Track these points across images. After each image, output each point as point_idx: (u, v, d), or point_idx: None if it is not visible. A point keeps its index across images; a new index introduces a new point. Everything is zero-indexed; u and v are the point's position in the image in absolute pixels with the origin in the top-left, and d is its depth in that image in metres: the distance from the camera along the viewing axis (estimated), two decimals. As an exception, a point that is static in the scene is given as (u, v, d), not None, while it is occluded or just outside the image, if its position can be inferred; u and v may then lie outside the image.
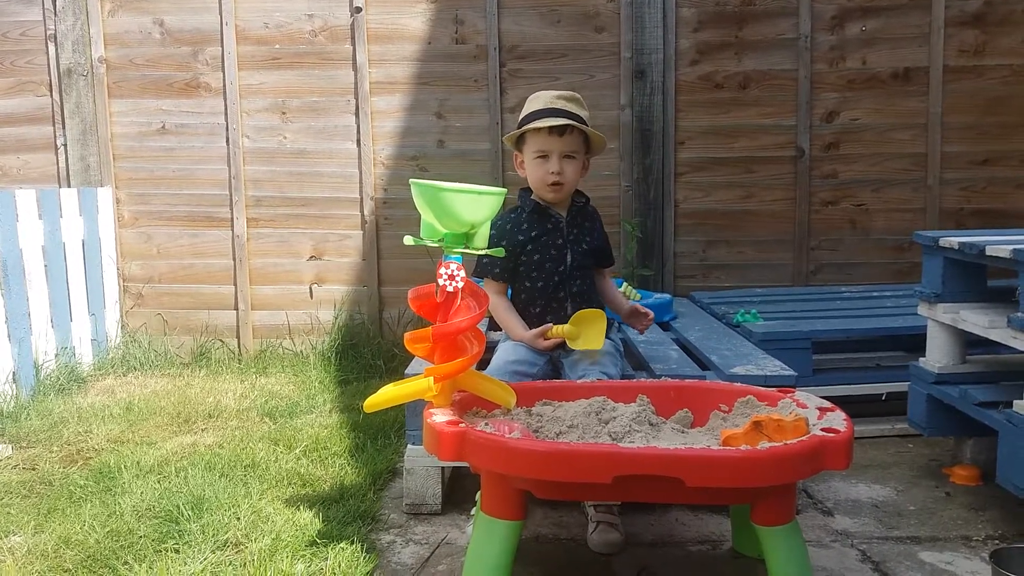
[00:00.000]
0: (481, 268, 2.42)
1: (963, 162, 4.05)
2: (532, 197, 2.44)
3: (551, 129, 2.31)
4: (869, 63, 4.04)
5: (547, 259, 2.40)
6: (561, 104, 2.34)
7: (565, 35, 4.09)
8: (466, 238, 1.90)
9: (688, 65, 4.09)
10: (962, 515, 2.36)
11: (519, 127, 2.39)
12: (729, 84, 4.08)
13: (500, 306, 2.42)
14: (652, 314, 2.54)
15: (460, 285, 1.87)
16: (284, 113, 4.20)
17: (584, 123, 2.35)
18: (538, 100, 2.38)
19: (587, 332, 2.28)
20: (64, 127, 4.20)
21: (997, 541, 2.18)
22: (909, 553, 2.12)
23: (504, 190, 1.89)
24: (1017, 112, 4.01)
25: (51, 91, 4.22)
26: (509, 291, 2.47)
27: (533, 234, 2.40)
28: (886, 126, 4.06)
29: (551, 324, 2.33)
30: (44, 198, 3.71)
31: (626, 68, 4.07)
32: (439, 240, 1.88)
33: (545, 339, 2.31)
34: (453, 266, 1.86)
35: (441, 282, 1.87)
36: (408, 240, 1.90)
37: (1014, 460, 2.11)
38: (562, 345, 2.35)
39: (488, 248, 1.97)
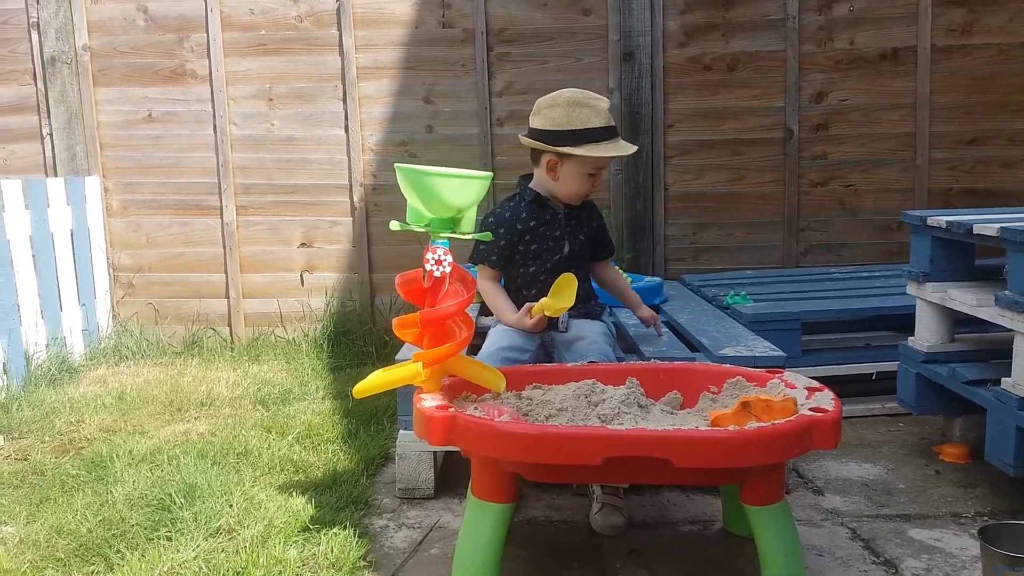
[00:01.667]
0: (477, 255, 2.43)
1: (951, 142, 4.06)
2: (531, 186, 2.44)
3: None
4: (857, 43, 4.04)
5: (544, 249, 2.42)
6: (612, 119, 2.34)
7: (552, 18, 4.07)
8: (453, 223, 1.89)
9: (676, 47, 4.07)
10: (951, 492, 2.38)
11: (573, 137, 2.28)
12: (717, 66, 4.07)
13: (491, 292, 2.43)
14: (660, 326, 2.61)
15: (447, 270, 1.87)
16: (271, 100, 4.17)
17: None
18: (591, 111, 2.29)
19: (560, 295, 2.25)
20: (49, 116, 4.17)
21: (986, 518, 2.19)
22: (899, 531, 2.14)
23: (490, 174, 1.89)
24: (1004, 91, 4.01)
25: (35, 80, 4.18)
26: (503, 279, 2.49)
27: (532, 224, 2.41)
28: (874, 106, 4.06)
29: (530, 304, 2.33)
30: (31, 188, 3.68)
31: (614, 51, 4.05)
32: (425, 225, 1.87)
33: (530, 318, 2.31)
34: (440, 251, 1.86)
35: (428, 267, 1.86)
36: (394, 225, 1.89)
37: (1002, 437, 2.12)
38: (554, 326, 2.36)
39: (477, 232, 1.97)
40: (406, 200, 1.89)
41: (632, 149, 2.35)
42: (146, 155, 4.22)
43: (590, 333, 2.34)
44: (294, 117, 4.18)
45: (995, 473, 2.31)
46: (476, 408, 1.88)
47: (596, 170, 2.36)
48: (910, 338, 2.64)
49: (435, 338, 1.88)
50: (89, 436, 2.90)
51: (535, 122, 2.35)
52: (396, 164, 1.87)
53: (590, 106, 2.30)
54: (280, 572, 1.88)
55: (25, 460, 2.71)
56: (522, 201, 2.43)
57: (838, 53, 4.04)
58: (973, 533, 2.08)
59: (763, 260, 4.13)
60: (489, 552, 1.76)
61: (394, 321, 1.88)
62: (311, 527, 2.12)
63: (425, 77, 4.13)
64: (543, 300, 2.27)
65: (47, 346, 3.72)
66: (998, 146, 4.05)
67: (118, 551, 1.99)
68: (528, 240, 2.41)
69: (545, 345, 2.41)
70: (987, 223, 2.24)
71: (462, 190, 1.83)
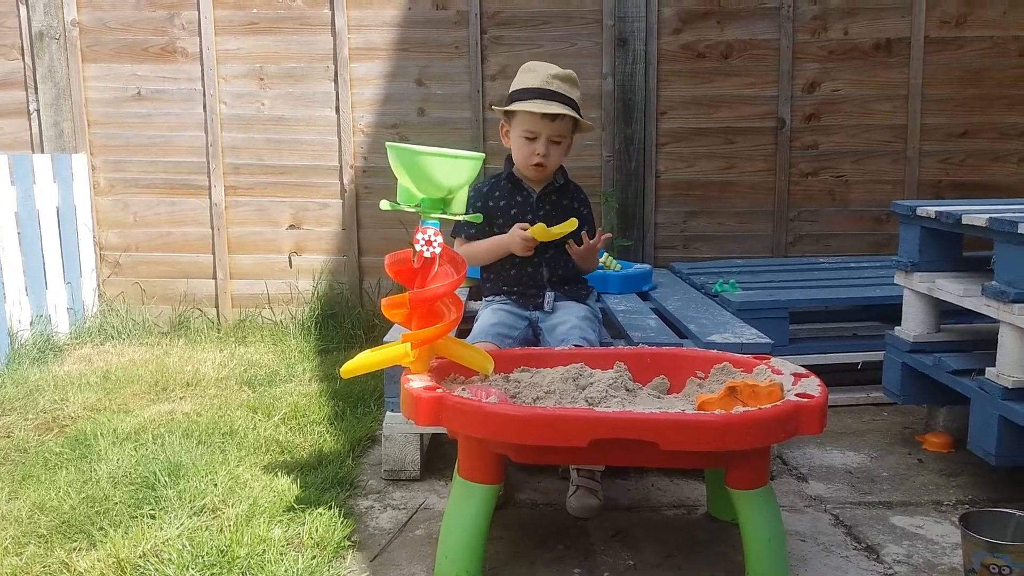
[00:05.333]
0: (458, 228, 2.44)
1: (942, 134, 4.06)
2: (512, 168, 2.45)
3: (543, 114, 2.30)
4: (851, 33, 4.03)
5: None
6: (557, 85, 2.31)
7: (547, 2, 4.05)
8: (443, 203, 1.89)
9: (670, 34, 4.06)
10: (934, 481, 2.39)
11: (510, 98, 2.35)
12: (711, 54, 4.06)
13: (474, 245, 2.42)
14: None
15: (437, 251, 1.86)
16: (262, 79, 4.14)
17: (577, 109, 2.34)
18: (533, 75, 2.34)
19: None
20: (37, 92, 4.12)
21: (967, 506, 2.21)
22: (881, 517, 2.16)
23: (482, 155, 1.89)
24: (997, 84, 4.02)
25: (23, 55, 4.13)
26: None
27: (503, 204, 2.44)
28: (867, 97, 4.06)
29: (523, 224, 2.34)
30: (16, 164, 3.64)
31: (608, 36, 4.03)
32: (416, 205, 1.87)
33: (521, 230, 2.31)
34: (430, 231, 1.85)
35: (418, 247, 1.86)
36: (384, 205, 1.88)
37: (985, 426, 2.14)
38: (539, 306, 2.39)
39: (467, 214, 1.96)
40: (397, 180, 1.88)
41: (555, 109, 2.27)
42: (134, 133, 4.18)
43: (573, 317, 2.34)
44: (285, 97, 4.15)
45: (977, 462, 2.32)
46: (464, 389, 1.88)
47: (531, 134, 2.33)
48: (896, 328, 2.65)
49: (424, 319, 1.87)
50: (73, 414, 2.88)
51: None
52: (387, 142, 1.86)
53: (534, 71, 2.35)
54: (264, 551, 1.87)
55: (8, 437, 2.69)
56: (499, 180, 2.47)
57: (832, 43, 4.04)
58: (954, 520, 2.09)
59: (752, 249, 4.14)
60: (474, 533, 1.76)
61: (383, 301, 1.87)
62: (296, 507, 2.11)
63: (418, 59, 4.10)
64: (539, 224, 2.27)
65: (31, 324, 3.69)
66: (989, 139, 4.06)
67: (101, 528, 1.98)
68: (500, 221, 2.42)
69: (533, 325, 2.41)
70: (976, 214, 2.25)
71: (453, 170, 1.83)
